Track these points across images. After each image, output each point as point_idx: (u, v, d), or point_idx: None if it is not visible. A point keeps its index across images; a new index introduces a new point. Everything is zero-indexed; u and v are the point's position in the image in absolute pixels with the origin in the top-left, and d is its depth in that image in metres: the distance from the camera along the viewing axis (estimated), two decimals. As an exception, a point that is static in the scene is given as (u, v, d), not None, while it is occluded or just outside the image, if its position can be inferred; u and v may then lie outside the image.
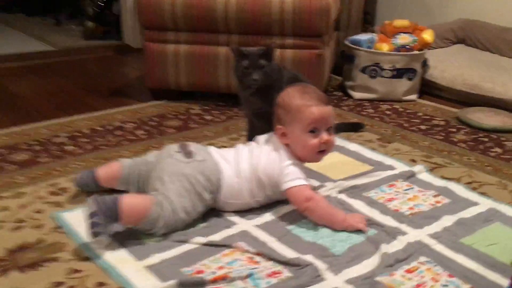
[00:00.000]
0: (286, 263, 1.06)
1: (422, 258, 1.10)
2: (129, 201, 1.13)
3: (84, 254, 1.09)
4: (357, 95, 2.25)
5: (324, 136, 1.23)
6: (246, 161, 1.26)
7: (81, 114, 1.98)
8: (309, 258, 1.07)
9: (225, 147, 1.66)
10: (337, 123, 1.61)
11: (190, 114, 2.01)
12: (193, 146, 1.27)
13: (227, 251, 1.11)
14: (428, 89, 2.37)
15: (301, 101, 1.23)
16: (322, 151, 1.25)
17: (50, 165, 1.52)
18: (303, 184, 1.23)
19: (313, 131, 1.23)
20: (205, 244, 1.13)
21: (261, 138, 1.33)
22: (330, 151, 1.28)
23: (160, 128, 1.85)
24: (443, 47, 2.71)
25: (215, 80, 2.07)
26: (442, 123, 1.98)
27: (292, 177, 1.22)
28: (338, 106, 2.16)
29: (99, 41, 3.35)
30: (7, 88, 2.35)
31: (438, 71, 2.34)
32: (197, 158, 1.23)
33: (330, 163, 1.56)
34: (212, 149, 1.30)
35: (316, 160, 1.29)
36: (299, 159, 1.26)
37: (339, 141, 1.74)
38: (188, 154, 1.23)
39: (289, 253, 1.10)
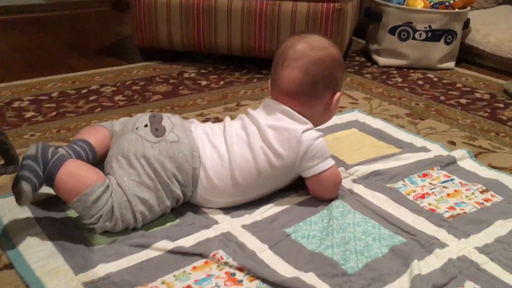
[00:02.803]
0: (278, 285, 0.76)
1: (469, 284, 0.79)
2: (74, 167, 0.85)
3: (5, 259, 0.80)
4: (383, 60, 1.90)
5: None
6: (239, 143, 0.94)
7: (55, 74, 1.68)
8: (311, 278, 0.77)
9: (218, 119, 1.37)
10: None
11: (183, 78, 1.70)
12: (168, 120, 0.94)
13: (199, 262, 0.81)
14: (468, 56, 2.01)
15: None
16: None
17: (0, 135, 1.24)
18: (334, 164, 0.98)
19: None
20: (171, 252, 0.83)
21: (257, 111, 1.01)
22: None
23: (144, 94, 1.54)
24: (486, 7, 2.32)
25: (213, 39, 1.74)
26: (487, 96, 1.63)
27: (322, 158, 0.95)
28: (359, 74, 1.82)
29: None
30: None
31: (481, 34, 1.96)
32: (168, 138, 0.91)
33: (346, 142, 1.24)
34: (196, 126, 0.97)
35: None
36: None
37: (359, 115, 1.42)
38: (158, 131, 0.92)
39: (284, 269, 0.80)
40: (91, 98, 1.49)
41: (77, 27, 2.45)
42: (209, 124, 1.02)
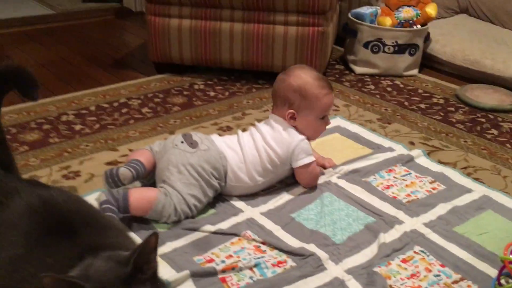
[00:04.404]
0: (290, 252, 1.14)
1: (417, 248, 1.17)
2: (137, 194, 1.20)
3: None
4: (358, 69, 2.28)
5: (329, 120, 1.39)
6: (249, 146, 1.32)
7: (86, 89, 2.00)
8: (312, 247, 1.15)
9: (229, 127, 1.72)
10: None
11: (194, 90, 2.04)
12: (196, 136, 1.31)
13: (234, 239, 1.18)
14: (429, 62, 2.39)
15: (318, 90, 1.32)
16: None
17: (60, 145, 1.57)
18: (314, 161, 1.34)
19: (323, 117, 1.36)
20: (214, 232, 1.20)
21: (261, 123, 1.38)
22: None
23: (165, 106, 1.88)
24: (446, 17, 2.70)
25: (218, 55, 2.08)
26: (442, 101, 2.02)
27: (305, 154, 1.32)
28: (339, 82, 2.18)
29: (98, 4, 3.30)
30: (10, 58, 2.35)
31: (439, 45, 2.35)
32: (201, 148, 1.27)
33: (331, 145, 1.61)
34: (215, 138, 1.34)
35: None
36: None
37: (340, 121, 1.79)
38: (192, 144, 1.28)
39: (293, 242, 1.17)
40: (123, 110, 1.83)
41: (87, 37, 2.73)
42: (226, 136, 1.39)
